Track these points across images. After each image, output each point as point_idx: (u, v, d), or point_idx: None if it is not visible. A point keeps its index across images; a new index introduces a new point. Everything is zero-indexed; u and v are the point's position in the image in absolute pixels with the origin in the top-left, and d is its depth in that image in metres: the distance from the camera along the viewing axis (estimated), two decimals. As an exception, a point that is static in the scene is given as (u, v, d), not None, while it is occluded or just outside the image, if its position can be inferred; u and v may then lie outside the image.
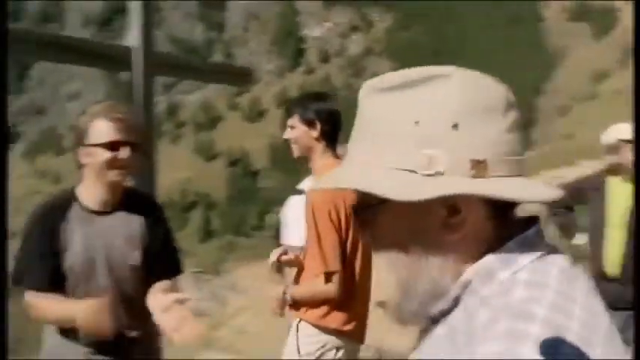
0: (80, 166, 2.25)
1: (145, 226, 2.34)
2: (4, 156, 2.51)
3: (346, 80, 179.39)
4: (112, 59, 3.33)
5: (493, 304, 0.72)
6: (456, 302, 0.77)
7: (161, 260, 2.37)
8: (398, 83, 0.79)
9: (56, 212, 2.25)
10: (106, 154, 2.17)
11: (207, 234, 78.86)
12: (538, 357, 0.63)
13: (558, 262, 0.76)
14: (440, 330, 0.78)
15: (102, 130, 2.17)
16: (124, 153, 2.19)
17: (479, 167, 0.74)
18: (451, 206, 0.75)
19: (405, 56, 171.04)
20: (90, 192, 2.27)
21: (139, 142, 2.26)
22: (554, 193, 0.77)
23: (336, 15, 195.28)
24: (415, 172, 0.74)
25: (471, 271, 0.77)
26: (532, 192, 0.76)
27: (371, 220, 0.82)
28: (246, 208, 79.07)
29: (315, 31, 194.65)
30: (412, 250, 0.79)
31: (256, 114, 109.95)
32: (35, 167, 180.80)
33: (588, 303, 0.72)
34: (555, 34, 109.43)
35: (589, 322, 0.69)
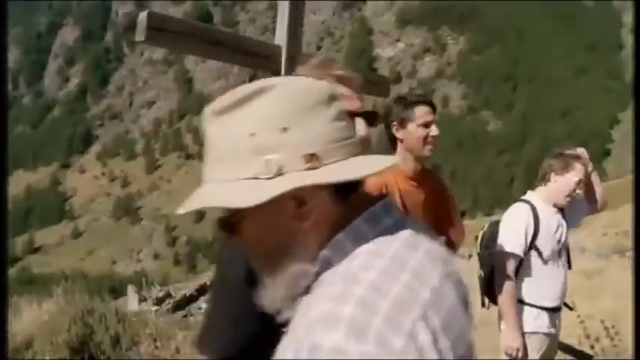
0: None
1: None
2: (5, 157, 2.13)
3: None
4: (261, 57, 3.05)
5: (338, 270, 0.83)
6: (316, 278, 0.86)
7: None
8: (230, 103, 0.87)
9: None
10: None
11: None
12: (357, 315, 0.74)
13: (402, 233, 0.87)
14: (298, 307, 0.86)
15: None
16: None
17: (312, 160, 0.83)
18: (298, 199, 0.84)
19: (476, 80, 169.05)
20: None
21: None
22: (387, 162, 0.88)
23: (409, 35, 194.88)
24: (258, 179, 0.83)
25: (326, 250, 0.86)
26: (361, 169, 0.86)
27: (236, 228, 0.90)
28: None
29: (387, 51, 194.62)
30: (275, 246, 0.88)
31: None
32: (107, 169, 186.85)
33: (421, 269, 0.83)
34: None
35: (413, 285, 0.79)
